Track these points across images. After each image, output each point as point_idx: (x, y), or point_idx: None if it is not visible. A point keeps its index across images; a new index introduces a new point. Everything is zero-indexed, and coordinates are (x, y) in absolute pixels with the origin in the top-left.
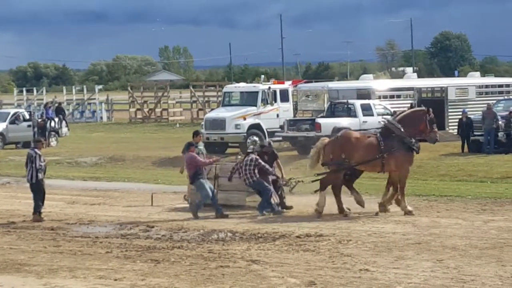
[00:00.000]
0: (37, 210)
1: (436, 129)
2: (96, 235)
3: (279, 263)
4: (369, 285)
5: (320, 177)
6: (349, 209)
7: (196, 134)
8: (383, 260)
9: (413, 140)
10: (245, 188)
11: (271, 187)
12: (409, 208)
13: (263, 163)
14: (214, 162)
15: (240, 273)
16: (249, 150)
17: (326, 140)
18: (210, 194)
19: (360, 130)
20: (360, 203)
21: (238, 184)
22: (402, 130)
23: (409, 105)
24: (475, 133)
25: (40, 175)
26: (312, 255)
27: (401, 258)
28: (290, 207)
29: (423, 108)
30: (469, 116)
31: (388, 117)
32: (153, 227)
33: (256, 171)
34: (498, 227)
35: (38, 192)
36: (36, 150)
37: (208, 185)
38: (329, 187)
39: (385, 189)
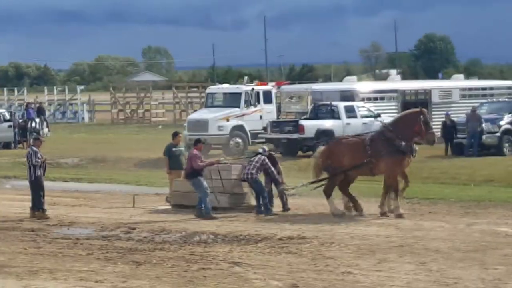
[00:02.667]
0: (39, 207)
1: (432, 130)
2: (77, 237)
3: (261, 266)
4: None
5: (317, 184)
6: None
7: (175, 135)
8: (366, 263)
9: (403, 143)
10: (229, 190)
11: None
12: (386, 209)
13: (269, 165)
14: (211, 164)
15: (222, 275)
16: (259, 151)
17: (321, 148)
18: (208, 190)
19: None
20: (348, 208)
21: (220, 186)
22: (393, 132)
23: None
24: (458, 135)
25: (38, 172)
26: (294, 258)
27: (384, 261)
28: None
29: (417, 109)
30: (452, 118)
31: (383, 119)
32: (134, 228)
33: (259, 170)
34: (481, 230)
35: (38, 188)
36: (33, 147)
37: (205, 183)
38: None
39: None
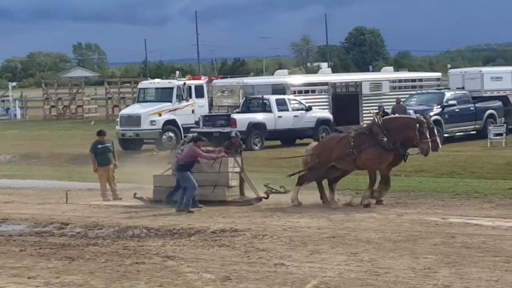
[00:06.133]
0: None
1: (428, 140)
2: (9, 233)
3: (195, 259)
4: (284, 279)
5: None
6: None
7: (99, 133)
8: (298, 254)
9: (385, 139)
10: (224, 183)
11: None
12: (367, 201)
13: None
14: (219, 157)
15: (155, 269)
16: (186, 139)
17: (314, 144)
18: (197, 184)
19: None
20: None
21: (216, 179)
22: (381, 129)
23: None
24: None
25: None
26: (227, 250)
27: (316, 252)
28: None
29: (420, 118)
30: (386, 110)
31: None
32: (67, 224)
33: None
34: (411, 220)
35: None
36: None
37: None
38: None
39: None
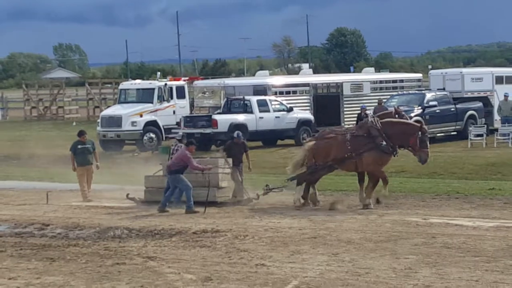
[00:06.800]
0: None
1: (427, 149)
2: None
3: (176, 260)
4: (265, 280)
5: (292, 181)
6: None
7: (80, 134)
8: (279, 255)
9: (384, 143)
10: (215, 184)
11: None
12: (368, 201)
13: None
14: (206, 169)
15: (136, 270)
16: (178, 137)
17: (311, 143)
18: (191, 185)
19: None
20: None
21: (205, 180)
22: (380, 131)
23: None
24: None
25: None
26: (208, 251)
27: (297, 253)
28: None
29: (418, 124)
30: (367, 112)
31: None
32: (48, 225)
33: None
34: (392, 221)
35: None
36: None
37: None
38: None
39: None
